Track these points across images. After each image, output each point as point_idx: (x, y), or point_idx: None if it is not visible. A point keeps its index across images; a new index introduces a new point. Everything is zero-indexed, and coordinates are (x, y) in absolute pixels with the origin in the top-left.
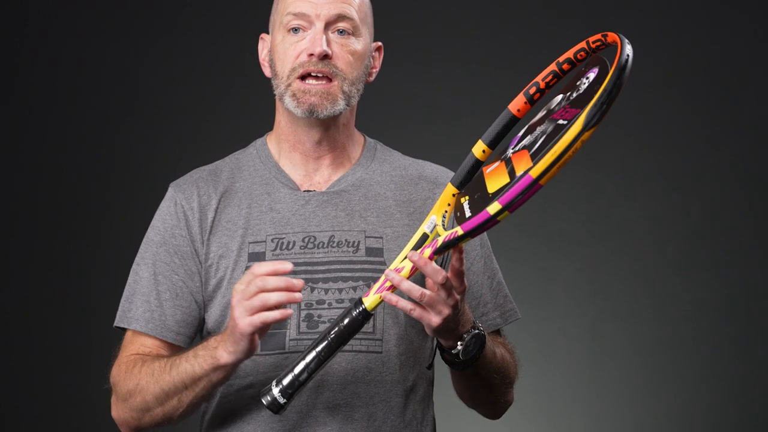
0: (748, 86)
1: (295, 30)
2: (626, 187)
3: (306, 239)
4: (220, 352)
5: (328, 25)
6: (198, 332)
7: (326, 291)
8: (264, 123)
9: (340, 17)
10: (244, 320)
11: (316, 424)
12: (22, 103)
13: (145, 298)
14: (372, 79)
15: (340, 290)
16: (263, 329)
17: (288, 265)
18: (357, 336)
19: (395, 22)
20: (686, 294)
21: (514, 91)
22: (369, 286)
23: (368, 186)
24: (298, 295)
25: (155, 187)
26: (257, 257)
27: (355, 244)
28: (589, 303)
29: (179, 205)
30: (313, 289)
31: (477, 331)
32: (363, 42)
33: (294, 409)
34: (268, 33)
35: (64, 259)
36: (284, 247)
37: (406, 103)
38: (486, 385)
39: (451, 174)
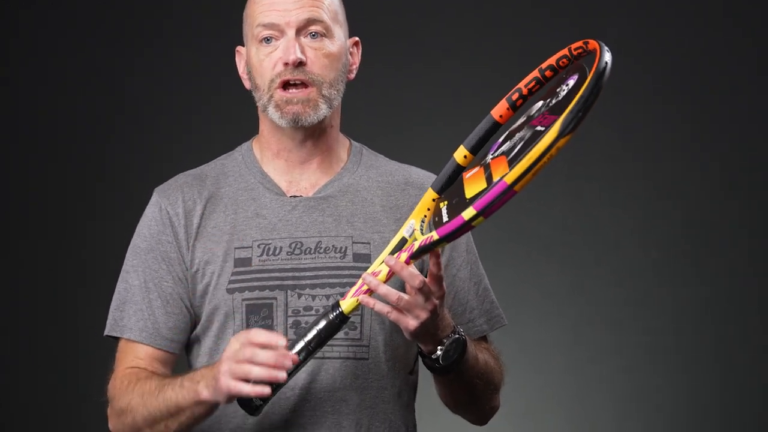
0: (732, 88)
1: (267, 40)
2: (608, 190)
3: (293, 245)
4: (201, 387)
5: (299, 31)
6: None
7: (313, 297)
8: (250, 127)
9: (311, 21)
10: (225, 380)
11: (304, 431)
12: (8, 107)
13: (137, 307)
14: (353, 76)
15: (328, 296)
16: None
17: (282, 341)
18: (344, 343)
19: (382, 23)
20: (668, 296)
21: (504, 93)
22: None
23: (355, 192)
24: (281, 375)
25: (143, 192)
26: (243, 263)
27: (343, 249)
28: (571, 306)
29: (164, 211)
30: (300, 296)
31: (457, 336)
32: (337, 42)
33: (281, 416)
34: (243, 45)
35: (51, 264)
36: (271, 252)
37: (395, 106)
38: (469, 391)
39: None
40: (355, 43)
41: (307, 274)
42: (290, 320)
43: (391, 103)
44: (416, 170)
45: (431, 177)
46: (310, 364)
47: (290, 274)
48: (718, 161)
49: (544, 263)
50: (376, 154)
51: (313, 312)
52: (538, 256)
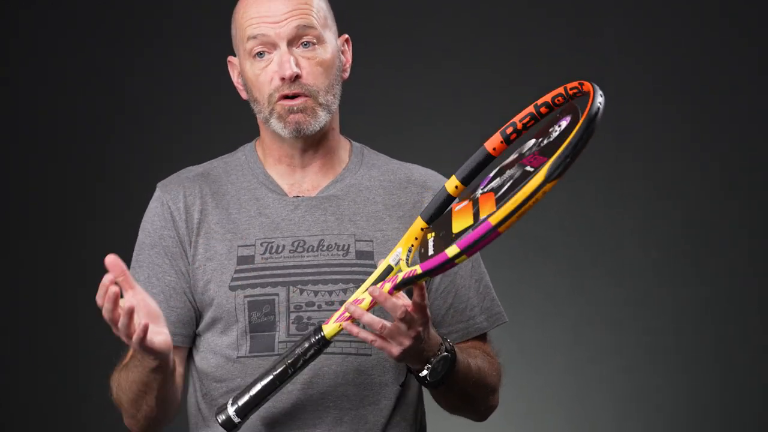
0: (730, 88)
1: (260, 54)
2: (607, 190)
3: (295, 243)
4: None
5: (291, 42)
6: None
7: (315, 293)
8: (249, 127)
9: (301, 31)
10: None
11: (306, 426)
12: (8, 107)
13: None
14: (347, 75)
15: (330, 292)
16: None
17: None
18: (346, 339)
19: (381, 24)
20: (668, 296)
21: (504, 96)
22: (358, 288)
23: (357, 191)
24: (111, 290)
25: (143, 192)
26: (246, 260)
27: (345, 247)
28: (571, 306)
29: (166, 206)
30: (302, 291)
31: (445, 353)
32: (330, 47)
33: (283, 411)
34: (234, 55)
35: (51, 264)
36: (273, 250)
37: (394, 106)
38: (463, 397)
39: (440, 177)
40: (346, 41)
41: (309, 270)
42: (292, 316)
43: (390, 103)
44: (418, 168)
45: (433, 175)
46: None
47: (292, 271)
48: (718, 161)
49: (544, 263)
50: (378, 154)
51: (315, 307)
52: (538, 257)
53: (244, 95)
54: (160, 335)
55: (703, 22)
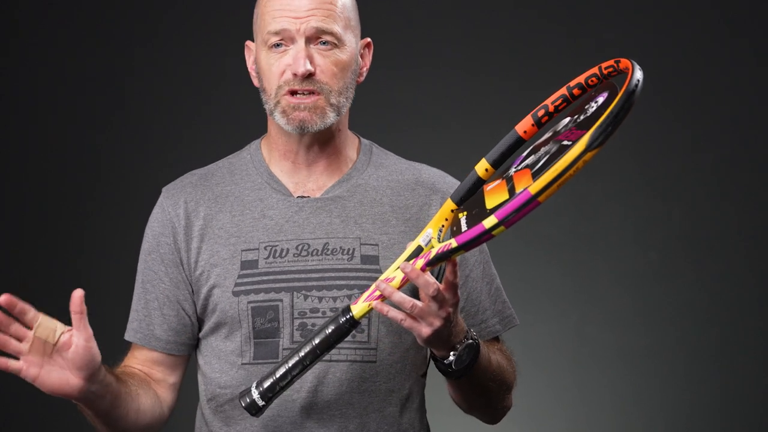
0: (729, 90)
1: (278, 45)
2: (609, 192)
3: (299, 246)
4: None
5: (309, 39)
6: (194, 338)
7: (320, 299)
8: (258, 125)
9: (321, 31)
10: None
11: None
12: (8, 108)
13: (135, 308)
14: (362, 79)
15: (335, 299)
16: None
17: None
18: (351, 346)
19: (387, 24)
20: (670, 298)
21: (506, 98)
22: (363, 294)
23: (364, 192)
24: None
25: (143, 193)
26: (250, 265)
27: (350, 251)
28: (574, 308)
29: (166, 212)
30: (306, 297)
31: (470, 341)
32: (348, 49)
33: (288, 419)
34: (252, 40)
35: (51, 264)
36: (277, 254)
37: (398, 109)
38: (482, 393)
39: (448, 178)
40: (367, 45)
41: (314, 275)
42: (296, 322)
43: (389, 105)
44: (427, 169)
45: (442, 176)
46: (318, 367)
47: (296, 275)
48: (718, 162)
49: (545, 264)
50: (386, 152)
51: (319, 314)
52: (541, 258)
53: (255, 82)
54: (52, 375)
55: (703, 23)
